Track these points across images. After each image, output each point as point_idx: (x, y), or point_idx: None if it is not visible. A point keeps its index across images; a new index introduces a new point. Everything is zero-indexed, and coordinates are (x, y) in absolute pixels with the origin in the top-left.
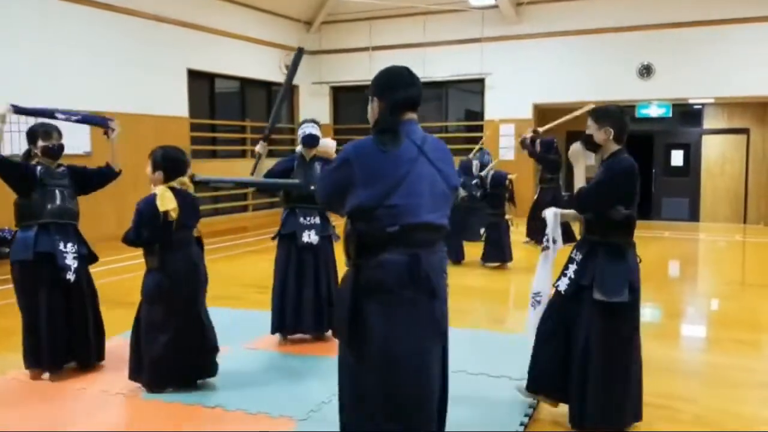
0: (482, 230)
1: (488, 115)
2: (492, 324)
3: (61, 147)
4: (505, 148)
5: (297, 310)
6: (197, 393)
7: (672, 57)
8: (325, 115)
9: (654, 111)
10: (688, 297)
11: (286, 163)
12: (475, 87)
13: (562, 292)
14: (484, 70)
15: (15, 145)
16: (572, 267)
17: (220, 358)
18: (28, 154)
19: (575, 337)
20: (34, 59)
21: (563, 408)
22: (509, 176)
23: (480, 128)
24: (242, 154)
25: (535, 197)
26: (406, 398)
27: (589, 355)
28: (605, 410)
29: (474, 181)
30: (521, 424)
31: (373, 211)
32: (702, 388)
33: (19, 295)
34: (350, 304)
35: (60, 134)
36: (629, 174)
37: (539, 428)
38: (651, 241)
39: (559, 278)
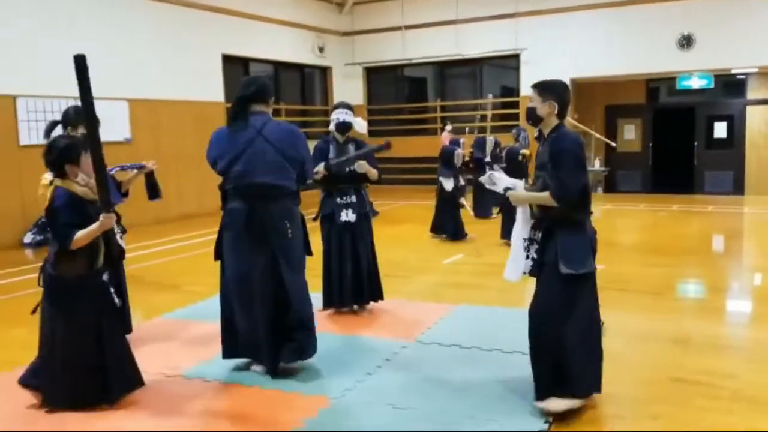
0: (496, 208)
1: (524, 91)
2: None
3: None
4: None
5: (341, 287)
6: (237, 372)
7: (713, 27)
8: (358, 96)
9: (695, 82)
10: (732, 272)
11: (322, 145)
12: (510, 63)
13: (528, 274)
14: (519, 45)
15: (33, 134)
16: (533, 248)
17: None
18: (50, 130)
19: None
20: (71, 48)
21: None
22: (522, 152)
23: (516, 104)
24: None
25: None
26: (236, 295)
27: (562, 328)
28: (555, 381)
29: (487, 160)
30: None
31: (225, 174)
32: (743, 363)
33: None
34: (217, 237)
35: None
36: (580, 144)
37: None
38: (694, 216)
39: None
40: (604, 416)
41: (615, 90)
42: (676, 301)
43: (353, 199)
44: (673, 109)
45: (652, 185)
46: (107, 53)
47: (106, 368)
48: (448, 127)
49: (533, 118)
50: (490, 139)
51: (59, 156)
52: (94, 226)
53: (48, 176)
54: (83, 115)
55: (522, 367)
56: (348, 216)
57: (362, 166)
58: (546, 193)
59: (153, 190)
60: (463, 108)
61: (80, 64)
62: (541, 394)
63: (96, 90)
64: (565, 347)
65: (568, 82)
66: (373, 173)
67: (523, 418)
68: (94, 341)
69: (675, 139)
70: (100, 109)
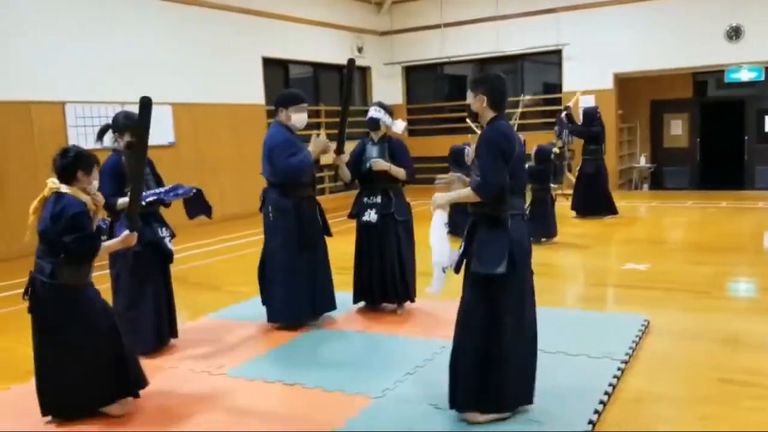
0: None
1: (567, 87)
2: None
3: None
4: None
5: (366, 284)
6: (279, 371)
7: (763, 17)
8: (397, 96)
9: (745, 75)
10: None
11: (358, 147)
12: (552, 59)
13: (454, 271)
14: (560, 41)
15: (81, 138)
16: (463, 243)
17: (300, 339)
18: (103, 133)
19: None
20: (114, 55)
21: (645, 384)
22: (554, 150)
23: (558, 101)
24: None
25: (578, 169)
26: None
27: (477, 334)
28: (473, 392)
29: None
30: (600, 402)
31: None
32: None
33: (128, 282)
34: None
35: None
36: (506, 135)
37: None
38: (744, 212)
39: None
40: (650, 417)
41: (660, 84)
42: (725, 300)
43: (378, 199)
44: (722, 103)
45: (700, 181)
46: (151, 59)
47: (127, 363)
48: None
49: (470, 114)
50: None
51: (75, 160)
52: (115, 241)
53: (54, 182)
54: (136, 146)
55: (566, 367)
56: (369, 216)
57: (378, 164)
58: (467, 189)
59: (197, 208)
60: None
61: (146, 105)
62: (462, 405)
63: (142, 95)
64: (479, 356)
65: (611, 78)
66: (398, 172)
67: (566, 418)
68: (113, 342)
69: (724, 133)
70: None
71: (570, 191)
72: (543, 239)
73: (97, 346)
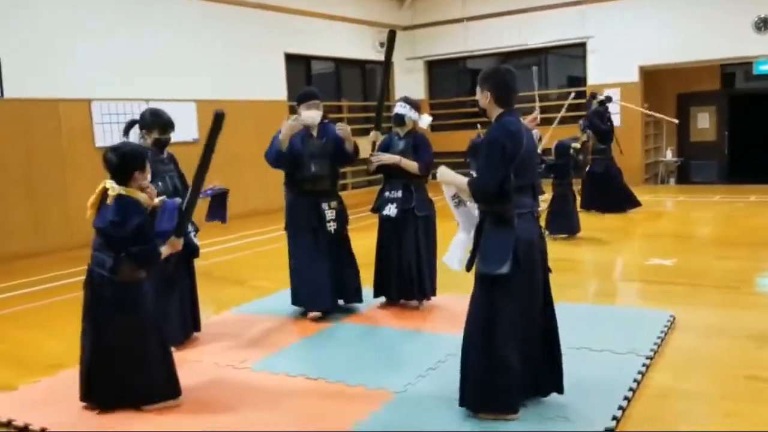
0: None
1: (591, 81)
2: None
3: (169, 141)
4: (611, 115)
5: (385, 279)
6: (302, 366)
7: None
8: (420, 90)
9: None
10: None
11: (384, 141)
12: (576, 52)
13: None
14: (585, 33)
15: (107, 135)
16: (474, 240)
17: (322, 334)
18: (129, 128)
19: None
20: (139, 52)
21: (670, 381)
22: (573, 145)
23: (583, 94)
24: None
25: (587, 168)
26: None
27: (468, 327)
28: (479, 391)
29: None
30: (625, 398)
31: None
32: None
33: (155, 277)
34: None
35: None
36: (510, 134)
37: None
38: None
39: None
40: (675, 413)
41: (687, 77)
42: (753, 295)
43: (399, 194)
44: (751, 95)
45: (728, 175)
46: (175, 56)
47: (171, 363)
48: None
49: (480, 110)
50: (535, 133)
51: (131, 160)
52: (165, 248)
53: (113, 186)
54: (203, 157)
55: (590, 363)
56: (390, 211)
57: (383, 158)
58: (465, 179)
59: (217, 212)
60: (526, 99)
61: (219, 118)
62: (470, 404)
63: (166, 92)
64: (483, 356)
65: (636, 70)
66: (409, 165)
67: (590, 414)
68: (159, 337)
69: (753, 126)
70: (171, 111)
71: None
72: (564, 235)
73: (148, 343)
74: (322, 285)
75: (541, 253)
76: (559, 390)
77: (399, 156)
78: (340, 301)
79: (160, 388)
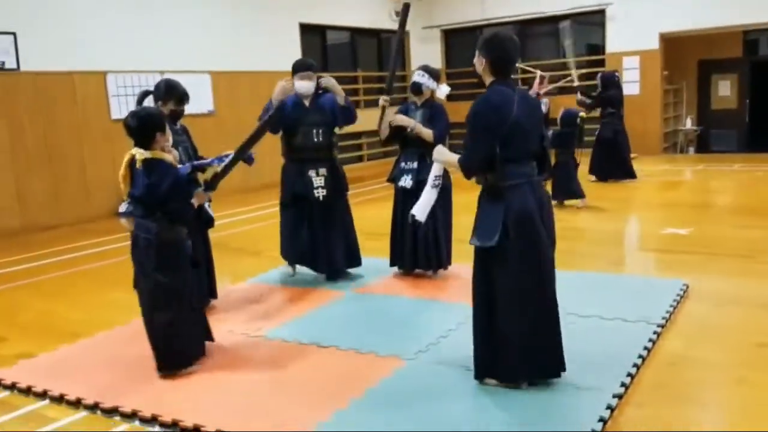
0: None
1: (610, 49)
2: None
3: (183, 113)
4: (630, 83)
5: (399, 249)
6: (315, 334)
7: None
8: (436, 60)
9: None
10: None
11: (400, 110)
12: (595, 19)
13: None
14: (604, 0)
15: (123, 108)
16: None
17: (335, 303)
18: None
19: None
20: (154, 24)
21: (681, 348)
22: (581, 114)
23: (602, 63)
24: (355, 105)
25: (596, 133)
26: None
27: (472, 299)
28: (485, 361)
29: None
30: (634, 365)
31: None
32: None
33: None
34: None
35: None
36: (494, 106)
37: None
38: None
39: None
40: (684, 380)
41: (709, 44)
42: None
43: (414, 165)
44: None
45: (748, 144)
46: (190, 28)
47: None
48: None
49: (477, 75)
50: (545, 101)
51: (152, 123)
52: (193, 199)
53: (140, 152)
54: (265, 121)
55: (601, 331)
56: (405, 182)
57: (398, 119)
58: (456, 157)
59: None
60: (547, 68)
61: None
62: (477, 372)
63: (181, 64)
64: (482, 328)
65: (656, 38)
66: (423, 132)
67: (599, 381)
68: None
69: None
70: (185, 82)
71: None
72: (565, 201)
73: (193, 298)
74: (301, 248)
75: (544, 222)
76: (562, 370)
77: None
78: (349, 270)
79: (198, 348)
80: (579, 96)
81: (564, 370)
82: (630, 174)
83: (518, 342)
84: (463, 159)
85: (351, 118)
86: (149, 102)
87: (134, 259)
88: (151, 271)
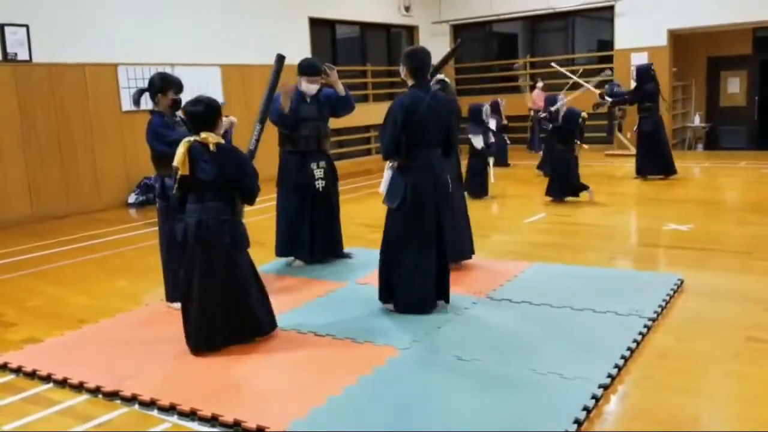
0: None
1: (619, 45)
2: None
3: (181, 101)
4: None
5: None
6: (312, 323)
7: None
8: None
9: None
10: None
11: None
12: (604, 15)
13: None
14: None
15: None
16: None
17: (335, 294)
18: (139, 96)
19: None
20: (164, 17)
21: (671, 342)
22: (583, 114)
23: (610, 59)
24: (364, 99)
25: (636, 128)
26: None
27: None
28: (384, 288)
29: (543, 114)
30: (622, 357)
31: None
32: None
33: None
34: None
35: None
36: (402, 104)
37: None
38: None
39: None
40: (671, 372)
41: (718, 40)
42: (765, 260)
43: None
44: None
45: (757, 141)
46: (200, 21)
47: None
48: (540, 85)
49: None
50: (560, 97)
51: (217, 106)
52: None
53: (212, 135)
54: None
55: (592, 323)
56: None
57: None
58: None
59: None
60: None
61: (280, 62)
62: (380, 296)
63: (191, 57)
64: (383, 261)
65: (665, 34)
66: None
67: (586, 371)
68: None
69: None
70: (196, 75)
71: (620, 151)
72: (566, 198)
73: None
74: (305, 239)
75: (433, 192)
76: (446, 298)
77: None
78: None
79: (268, 318)
80: (598, 99)
81: (443, 299)
82: (671, 169)
83: (412, 273)
84: (381, 143)
85: (349, 107)
86: (146, 99)
87: (198, 249)
88: (236, 250)
